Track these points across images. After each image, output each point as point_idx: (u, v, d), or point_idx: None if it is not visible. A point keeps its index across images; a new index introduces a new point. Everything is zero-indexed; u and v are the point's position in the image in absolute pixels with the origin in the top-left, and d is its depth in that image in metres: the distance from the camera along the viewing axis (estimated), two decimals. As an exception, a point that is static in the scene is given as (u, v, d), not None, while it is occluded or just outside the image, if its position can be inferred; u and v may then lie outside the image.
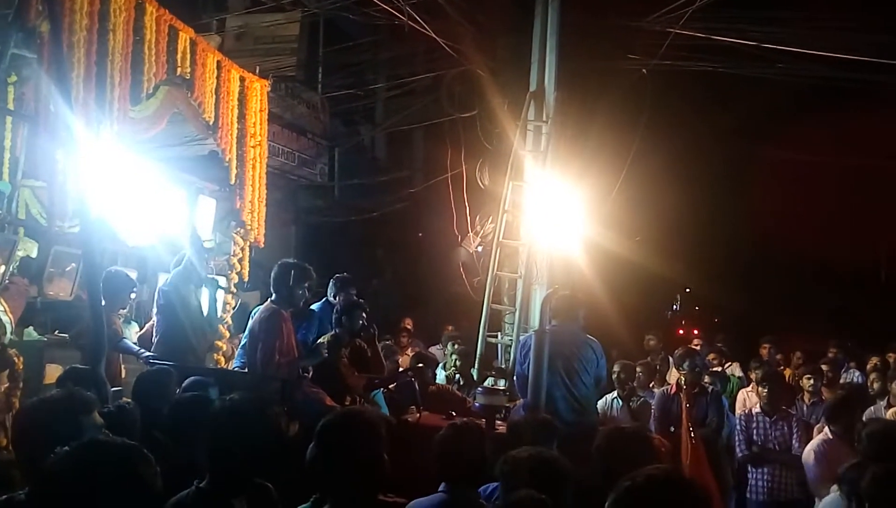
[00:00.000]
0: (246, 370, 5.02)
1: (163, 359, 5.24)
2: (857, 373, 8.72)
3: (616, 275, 9.38)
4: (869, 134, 12.79)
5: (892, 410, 6.37)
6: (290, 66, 10.99)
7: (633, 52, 8.58)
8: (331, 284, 6.16)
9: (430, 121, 10.98)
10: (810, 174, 14.22)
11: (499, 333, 8.01)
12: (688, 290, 20.39)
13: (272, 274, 4.98)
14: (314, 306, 5.93)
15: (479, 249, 9.51)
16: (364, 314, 5.70)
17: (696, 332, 14.22)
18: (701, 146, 12.86)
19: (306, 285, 5.00)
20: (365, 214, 11.29)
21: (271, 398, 3.93)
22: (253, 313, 5.35)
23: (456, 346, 7.78)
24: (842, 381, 8.29)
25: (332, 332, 5.45)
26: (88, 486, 1.88)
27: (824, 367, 7.89)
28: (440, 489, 3.18)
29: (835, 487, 3.68)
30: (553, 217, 7.60)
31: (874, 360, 8.38)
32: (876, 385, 7.55)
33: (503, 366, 7.37)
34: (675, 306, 21.01)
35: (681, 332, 15.75)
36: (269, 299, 5.00)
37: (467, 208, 9.20)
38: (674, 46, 8.17)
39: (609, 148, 8.69)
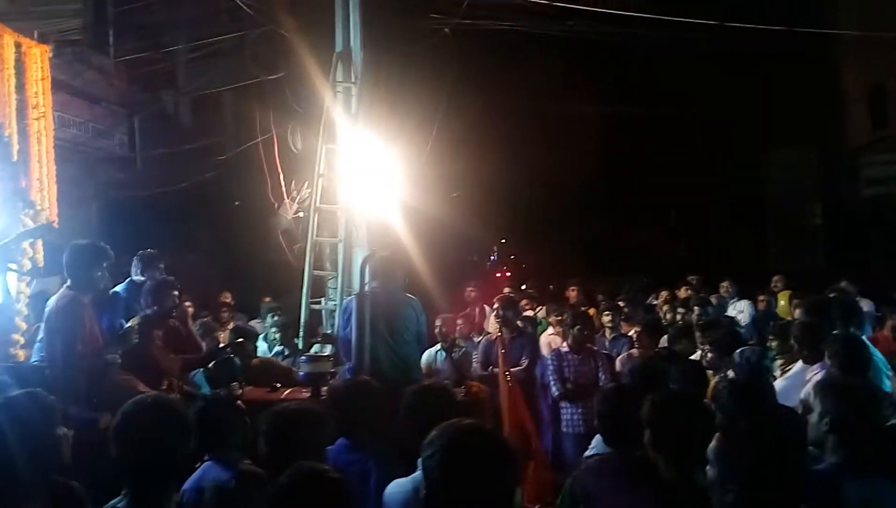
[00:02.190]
0: (45, 365, 4.64)
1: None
2: (654, 306, 9.54)
3: (435, 232, 9.63)
4: (656, 86, 13.94)
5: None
6: (75, 28, 10.12)
7: (436, 12, 8.70)
8: (134, 262, 5.81)
9: (237, 84, 10.55)
10: (607, 126, 15.30)
11: (323, 299, 7.98)
12: (503, 240, 21.30)
13: (64, 258, 4.62)
14: (118, 288, 5.58)
15: (301, 214, 9.35)
16: (176, 293, 5.46)
17: (507, 275, 15.01)
18: (506, 103, 13.39)
19: (104, 265, 4.68)
20: (172, 185, 10.68)
21: (75, 390, 3.68)
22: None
23: (276, 317, 7.66)
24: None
25: (142, 314, 5.17)
26: None
27: (621, 303, 8.57)
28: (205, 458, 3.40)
29: None
30: (369, 179, 7.63)
31: (665, 294, 9.26)
32: (668, 316, 8.37)
33: (329, 332, 7.37)
34: (492, 257, 21.91)
35: (498, 275, 16.53)
36: (64, 286, 4.64)
37: (281, 174, 8.99)
38: (475, 6, 8.39)
39: (420, 108, 8.81)
